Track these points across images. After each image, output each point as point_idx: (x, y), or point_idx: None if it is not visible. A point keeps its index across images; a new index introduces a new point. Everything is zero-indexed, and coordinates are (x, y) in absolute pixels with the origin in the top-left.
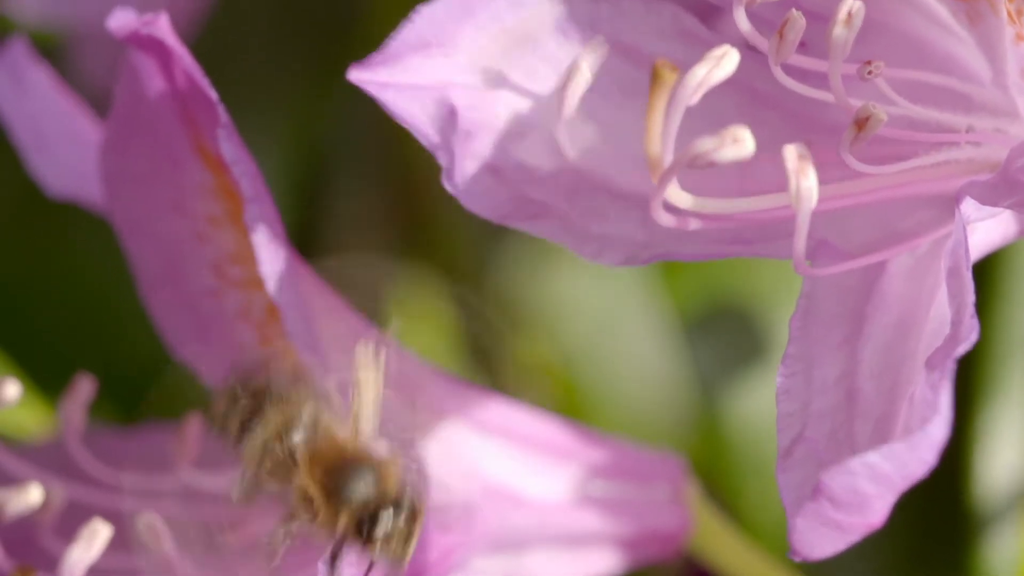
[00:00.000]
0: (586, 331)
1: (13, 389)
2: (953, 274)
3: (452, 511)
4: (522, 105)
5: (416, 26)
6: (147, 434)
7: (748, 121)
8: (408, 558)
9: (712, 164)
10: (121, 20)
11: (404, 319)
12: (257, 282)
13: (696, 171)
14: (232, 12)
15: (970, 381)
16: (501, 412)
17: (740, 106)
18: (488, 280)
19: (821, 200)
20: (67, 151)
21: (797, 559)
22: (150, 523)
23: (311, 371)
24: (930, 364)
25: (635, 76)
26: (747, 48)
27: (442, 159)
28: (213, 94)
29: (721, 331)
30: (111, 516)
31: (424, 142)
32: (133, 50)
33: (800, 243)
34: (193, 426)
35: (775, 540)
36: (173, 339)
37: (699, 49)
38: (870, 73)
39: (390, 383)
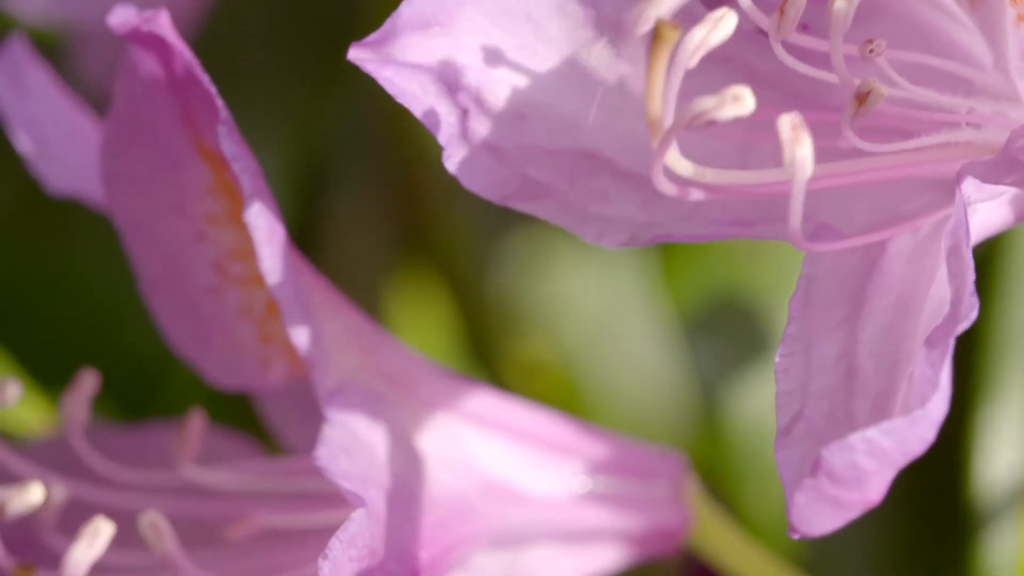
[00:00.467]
0: (586, 330)
1: (14, 389)
2: (953, 253)
3: (453, 507)
4: (522, 85)
5: (416, 5)
6: (149, 431)
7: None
8: None
9: (713, 123)
10: (121, 17)
11: (404, 317)
12: (258, 279)
13: (699, 151)
14: (232, 12)
15: (970, 377)
16: (502, 408)
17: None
18: (488, 279)
19: (822, 179)
20: (67, 149)
21: (796, 536)
22: (153, 520)
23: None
24: (930, 342)
25: (636, 55)
26: (750, 28)
27: (442, 139)
28: (214, 90)
29: (721, 329)
30: (113, 513)
31: (424, 122)
32: (133, 47)
33: (796, 214)
34: (195, 423)
35: (775, 536)
36: (174, 337)
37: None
38: (871, 52)
39: (391, 379)
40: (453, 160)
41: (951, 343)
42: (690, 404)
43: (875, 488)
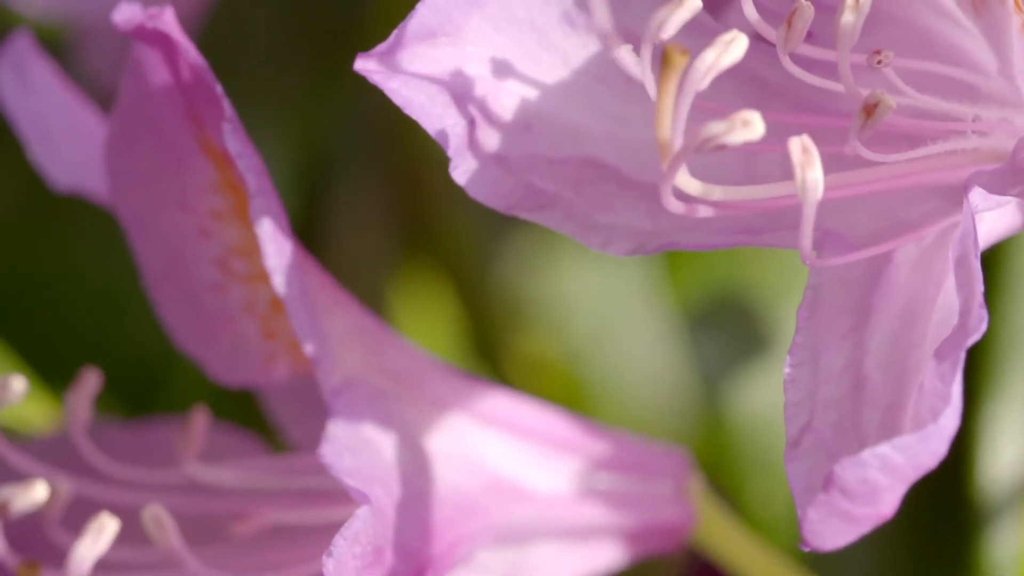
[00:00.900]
0: (589, 327)
1: (19, 385)
2: (961, 263)
3: (457, 504)
4: (528, 95)
5: (422, 15)
6: (153, 428)
7: (757, 111)
8: None
9: (722, 147)
10: (126, 13)
11: (408, 315)
12: (262, 276)
13: (705, 160)
14: (233, 11)
15: (974, 376)
16: (505, 405)
17: (748, 96)
18: (491, 275)
19: (828, 189)
20: (71, 145)
21: (808, 549)
22: (157, 516)
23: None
24: (940, 354)
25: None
26: (755, 38)
27: (449, 150)
28: (218, 88)
29: (724, 326)
30: (116, 510)
31: (430, 132)
32: (138, 44)
33: (807, 235)
34: (199, 420)
35: (778, 534)
36: (178, 333)
37: (706, 39)
38: (879, 63)
39: (396, 376)
40: (460, 170)
41: (961, 356)
42: (693, 401)
43: (888, 503)
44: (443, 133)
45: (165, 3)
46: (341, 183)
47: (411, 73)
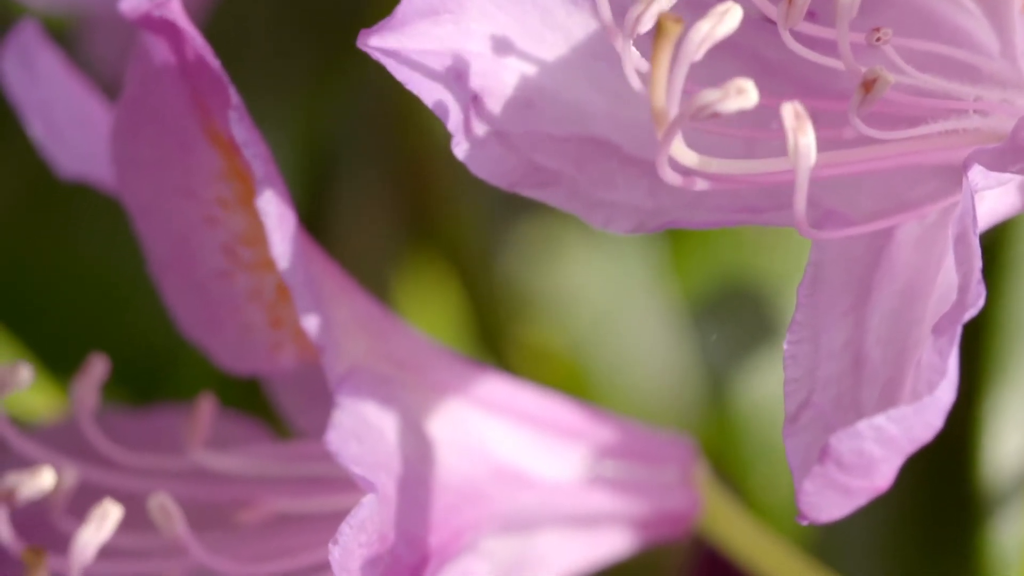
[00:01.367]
0: (594, 316)
1: (26, 373)
2: (960, 240)
3: (462, 492)
4: (530, 72)
5: None
6: (159, 415)
7: (757, 88)
8: None
9: (717, 115)
10: (132, 2)
11: (412, 305)
12: (268, 264)
13: (703, 136)
14: (237, 5)
15: (977, 363)
16: (510, 393)
17: (748, 73)
18: (495, 265)
19: (829, 166)
20: (78, 134)
21: (804, 522)
22: (162, 503)
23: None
24: (937, 329)
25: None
26: (756, 16)
27: (451, 126)
28: (225, 76)
29: (728, 314)
30: (122, 497)
31: (433, 108)
32: (144, 32)
33: (800, 201)
34: (205, 407)
35: (783, 521)
36: (184, 321)
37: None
38: (878, 40)
39: (401, 364)
40: (461, 147)
41: (958, 330)
42: (698, 389)
43: (883, 475)
44: (444, 109)
45: None
46: (345, 176)
47: (413, 49)
